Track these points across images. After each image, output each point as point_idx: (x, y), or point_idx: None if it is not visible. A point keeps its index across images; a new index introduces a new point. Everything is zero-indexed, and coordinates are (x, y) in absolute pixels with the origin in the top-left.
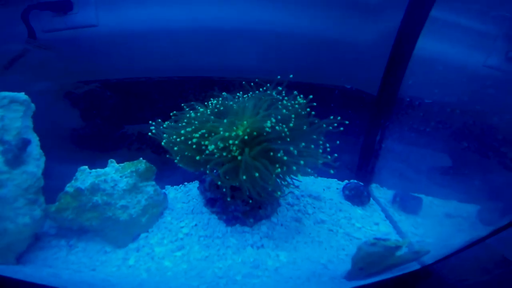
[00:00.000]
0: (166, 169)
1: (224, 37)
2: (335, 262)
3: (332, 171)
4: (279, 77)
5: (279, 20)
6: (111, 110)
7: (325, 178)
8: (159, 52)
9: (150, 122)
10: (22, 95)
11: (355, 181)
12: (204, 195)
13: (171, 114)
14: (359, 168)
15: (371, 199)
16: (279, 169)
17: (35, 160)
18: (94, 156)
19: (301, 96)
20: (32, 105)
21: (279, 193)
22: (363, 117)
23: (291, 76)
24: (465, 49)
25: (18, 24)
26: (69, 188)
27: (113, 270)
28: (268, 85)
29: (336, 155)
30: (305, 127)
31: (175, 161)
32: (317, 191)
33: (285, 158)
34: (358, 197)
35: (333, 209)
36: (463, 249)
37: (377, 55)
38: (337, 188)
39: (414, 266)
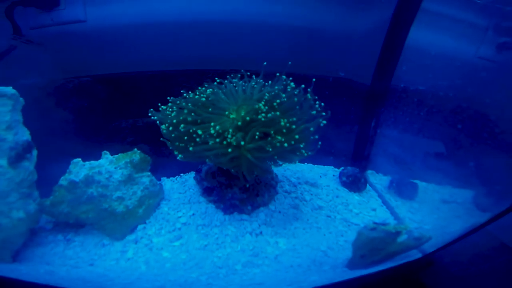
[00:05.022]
0: (161, 161)
1: (215, 29)
2: (335, 249)
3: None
4: (265, 63)
5: (271, 11)
6: (102, 104)
7: (322, 166)
8: (148, 46)
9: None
10: (10, 89)
11: (351, 167)
12: (201, 184)
13: (168, 98)
14: (355, 155)
15: (368, 185)
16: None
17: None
18: (87, 149)
19: (291, 79)
20: (21, 99)
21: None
22: (356, 104)
23: (289, 63)
24: (456, 39)
25: (3, 21)
26: (63, 181)
27: (112, 264)
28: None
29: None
30: (297, 108)
31: (175, 152)
32: (313, 178)
33: (278, 144)
34: (355, 183)
35: (330, 195)
36: (463, 237)
37: (369, 44)
38: (334, 175)
39: (416, 255)
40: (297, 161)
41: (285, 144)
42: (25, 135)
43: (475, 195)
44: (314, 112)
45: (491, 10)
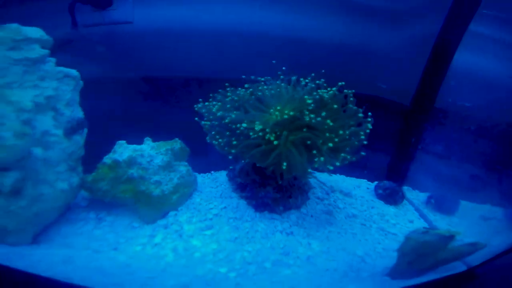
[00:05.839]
0: (193, 158)
1: (256, 42)
2: (373, 256)
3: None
4: (313, 74)
5: (309, 28)
6: (146, 100)
7: (355, 178)
8: (192, 52)
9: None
10: (74, 72)
11: (388, 181)
12: (234, 181)
13: (210, 95)
14: (391, 170)
15: (405, 199)
16: (316, 159)
17: None
18: (129, 136)
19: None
20: (81, 82)
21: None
22: (390, 120)
23: (323, 71)
24: (496, 60)
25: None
26: (107, 159)
27: (137, 250)
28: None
29: (363, 153)
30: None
31: (213, 142)
32: (347, 188)
33: (324, 147)
34: (392, 196)
35: (364, 205)
36: (507, 252)
37: (405, 61)
38: (368, 188)
39: (460, 267)
40: (337, 164)
41: (330, 144)
42: (79, 113)
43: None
44: (356, 118)
45: None
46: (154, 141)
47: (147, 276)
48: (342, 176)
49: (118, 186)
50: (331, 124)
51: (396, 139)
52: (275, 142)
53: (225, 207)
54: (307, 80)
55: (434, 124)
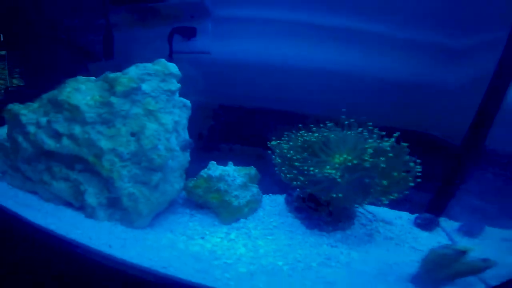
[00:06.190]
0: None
1: (324, 79)
2: (401, 265)
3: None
4: (370, 123)
5: (368, 64)
6: (227, 127)
7: (397, 211)
8: (268, 84)
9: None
10: (188, 102)
11: (427, 213)
12: (291, 204)
13: (285, 133)
14: (431, 204)
15: (438, 227)
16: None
17: None
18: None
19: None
20: (190, 111)
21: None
22: (436, 159)
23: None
24: None
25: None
26: (203, 173)
27: (218, 241)
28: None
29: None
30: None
31: (281, 174)
32: (389, 218)
33: (378, 188)
34: (427, 224)
35: (402, 231)
36: None
37: (458, 101)
38: (408, 219)
39: (479, 286)
40: (385, 202)
41: (384, 182)
42: (187, 135)
43: None
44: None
45: None
46: (234, 165)
47: (228, 262)
48: (385, 208)
49: (209, 194)
50: (384, 166)
51: (442, 178)
52: (339, 180)
53: (282, 223)
54: (370, 127)
55: (480, 165)
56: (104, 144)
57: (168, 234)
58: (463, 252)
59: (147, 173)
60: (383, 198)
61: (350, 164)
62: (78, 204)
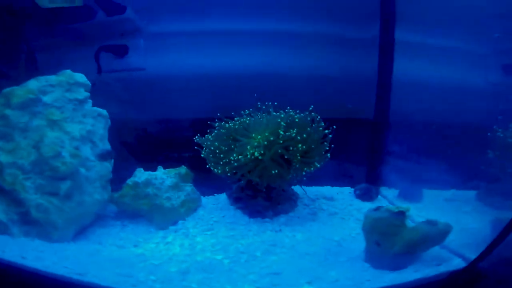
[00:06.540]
0: (199, 185)
1: (257, 81)
2: (348, 240)
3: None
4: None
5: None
6: (157, 139)
7: (339, 187)
8: (196, 94)
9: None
10: (104, 111)
11: (365, 184)
12: (231, 197)
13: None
14: (368, 175)
15: (379, 196)
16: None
17: None
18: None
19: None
20: (109, 120)
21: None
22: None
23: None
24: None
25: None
26: (129, 181)
27: (152, 246)
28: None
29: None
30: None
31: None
32: (330, 194)
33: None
34: (367, 193)
35: (344, 204)
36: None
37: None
38: (349, 192)
39: (459, 264)
40: (312, 169)
41: (300, 146)
42: (108, 146)
43: (478, 192)
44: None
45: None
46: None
47: (155, 264)
48: (327, 187)
49: (138, 201)
50: (298, 138)
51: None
52: (260, 157)
53: (223, 216)
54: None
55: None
56: (4, 158)
57: (96, 246)
58: (400, 213)
59: (54, 183)
60: (308, 169)
61: (266, 143)
62: None
